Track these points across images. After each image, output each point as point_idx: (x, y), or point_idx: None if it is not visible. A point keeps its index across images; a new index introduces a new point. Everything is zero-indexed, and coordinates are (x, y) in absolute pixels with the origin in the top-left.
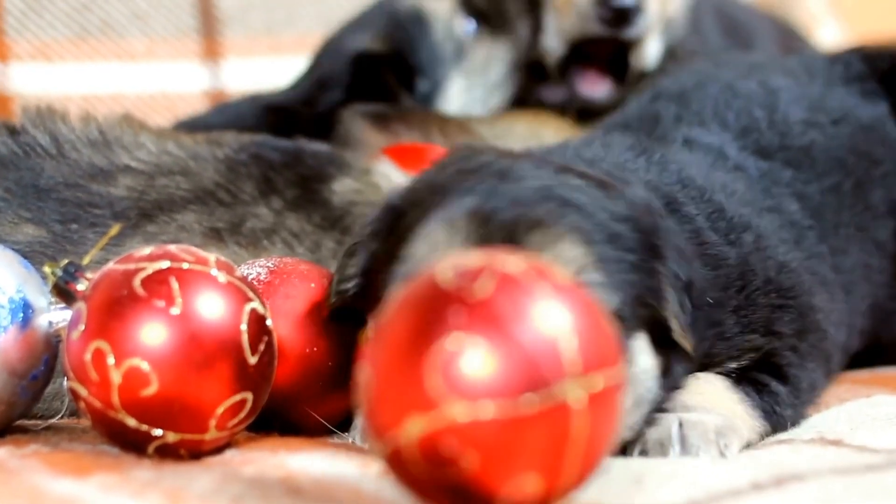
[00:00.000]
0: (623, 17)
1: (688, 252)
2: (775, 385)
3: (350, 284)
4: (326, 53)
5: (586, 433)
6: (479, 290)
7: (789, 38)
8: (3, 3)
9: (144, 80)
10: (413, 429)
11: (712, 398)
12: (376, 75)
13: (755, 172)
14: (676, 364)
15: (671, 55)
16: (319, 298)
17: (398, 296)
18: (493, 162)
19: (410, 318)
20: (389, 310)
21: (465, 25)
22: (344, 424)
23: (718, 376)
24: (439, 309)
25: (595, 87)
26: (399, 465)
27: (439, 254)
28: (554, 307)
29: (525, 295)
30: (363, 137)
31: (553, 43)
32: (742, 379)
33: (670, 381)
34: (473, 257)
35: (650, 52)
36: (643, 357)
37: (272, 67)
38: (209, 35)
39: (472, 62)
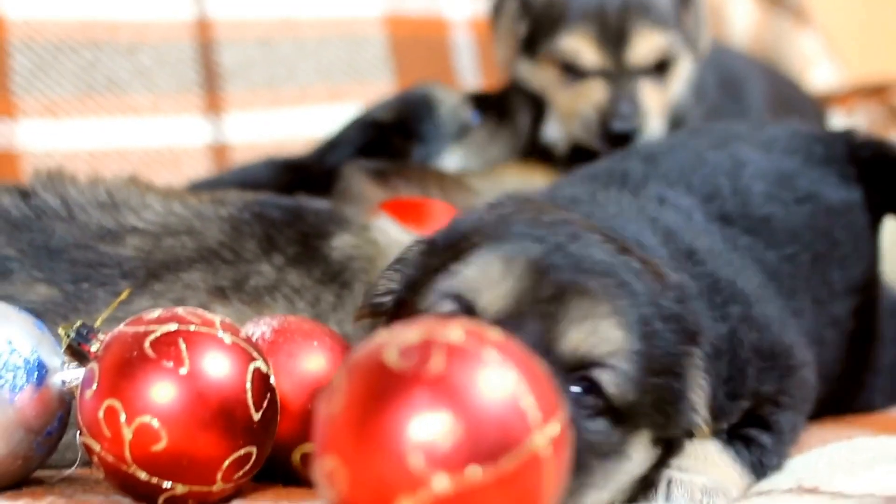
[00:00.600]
0: (622, 140)
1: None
2: (763, 438)
3: (387, 299)
4: (345, 125)
5: (554, 475)
6: (433, 367)
7: (780, 86)
8: (11, 61)
9: (149, 135)
10: None
11: (705, 461)
12: (383, 138)
13: (718, 237)
14: (676, 449)
15: (674, 126)
16: (321, 356)
17: (346, 385)
18: (565, 222)
19: (372, 405)
20: (341, 399)
21: (472, 116)
22: None
23: (711, 440)
24: (400, 392)
25: None
26: None
27: (488, 283)
28: (506, 369)
29: (477, 363)
30: (363, 192)
31: (556, 140)
32: (731, 435)
33: (664, 463)
34: (412, 333)
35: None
36: (639, 452)
37: (273, 120)
38: (211, 89)
39: (473, 141)
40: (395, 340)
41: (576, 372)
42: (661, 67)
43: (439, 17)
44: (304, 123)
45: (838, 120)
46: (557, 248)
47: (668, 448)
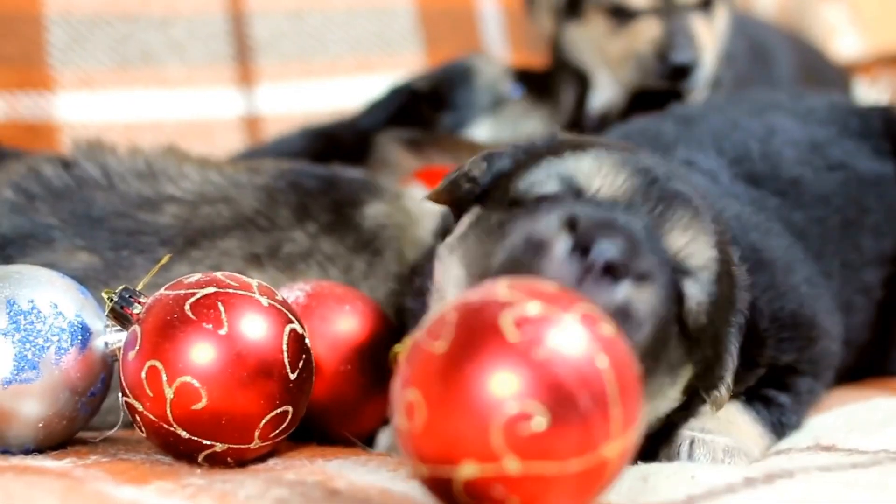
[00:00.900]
0: (682, 72)
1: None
2: (781, 398)
3: (467, 185)
4: (385, 91)
5: (614, 476)
6: (543, 352)
7: (807, 56)
8: (48, 35)
9: (182, 107)
10: (466, 471)
11: (727, 422)
12: (413, 106)
13: (745, 198)
14: (694, 406)
15: (714, 89)
16: (353, 320)
17: (454, 332)
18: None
19: (475, 363)
20: (445, 341)
21: (512, 89)
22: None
23: (733, 401)
24: (507, 362)
25: None
26: (438, 489)
27: (604, 173)
28: (609, 378)
29: (587, 363)
30: (397, 161)
31: (604, 106)
32: (751, 396)
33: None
34: (533, 305)
35: (700, 97)
36: (674, 391)
37: (304, 91)
38: (243, 61)
39: (507, 114)
40: (515, 307)
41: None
42: (706, 4)
43: None
44: (334, 95)
45: (862, 89)
46: (663, 166)
47: (689, 405)
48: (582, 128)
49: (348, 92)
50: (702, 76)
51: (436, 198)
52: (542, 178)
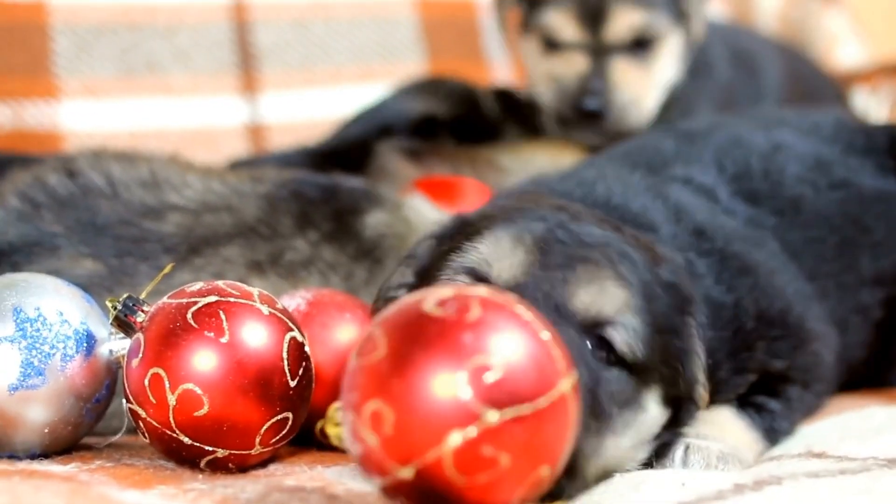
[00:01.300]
0: (593, 116)
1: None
2: (772, 404)
3: (400, 292)
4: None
5: (575, 417)
6: (472, 315)
7: (797, 64)
8: (53, 44)
9: (187, 115)
10: (453, 441)
11: (721, 428)
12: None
13: (742, 216)
14: (685, 412)
15: (669, 105)
16: (353, 327)
17: (385, 335)
18: (562, 208)
19: (418, 348)
20: (382, 348)
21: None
22: None
23: (726, 406)
24: (446, 335)
25: None
26: (430, 481)
27: (501, 257)
28: (535, 320)
29: (510, 313)
30: (396, 170)
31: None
32: (743, 403)
33: (676, 425)
34: (445, 289)
35: (640, 117)
36: (652, 406)
37: (307, 100)
38: (247, 70)
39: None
40: (429, 295)
41: (588, 332)
42: (641, 45)
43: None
44: (337, 103)
45: (862, 98)
46: (559, 225)
47: (678, 411)
48: None
49: (351, 101)
50: (636, 118)
51: (379, 308)
52: (450, 276)
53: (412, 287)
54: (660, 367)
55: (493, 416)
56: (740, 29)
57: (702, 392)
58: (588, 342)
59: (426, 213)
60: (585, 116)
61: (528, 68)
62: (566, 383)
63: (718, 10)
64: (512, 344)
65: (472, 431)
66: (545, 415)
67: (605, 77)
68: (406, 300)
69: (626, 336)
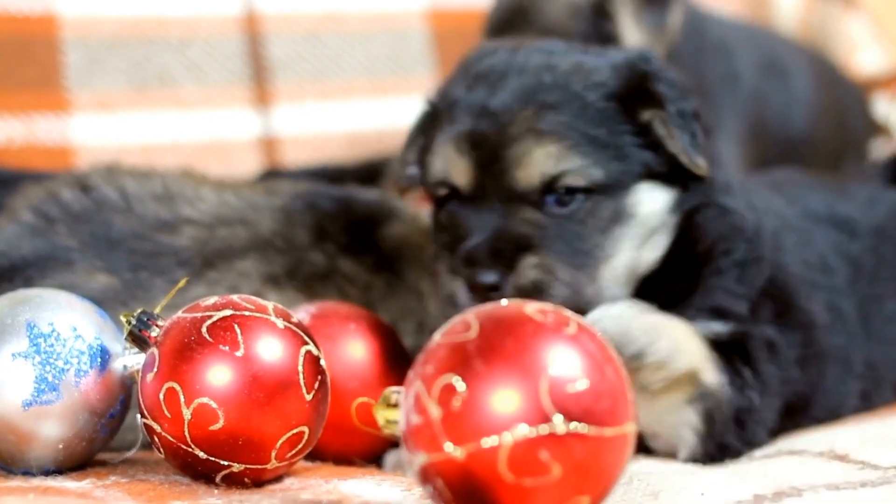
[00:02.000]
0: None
1: (688, 86)
2: (745, 370)
3: (413, 169)
4: None
5: (628, 456)
6: (570, 329)
7: (825, 71)
8: (64, 58)
9: (200, 129)
10: (518, 432)
11: (668, 326)
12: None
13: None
14: (693, 191)
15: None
16: (359, 338)
17: (480, 322)
18: (491, 68)
19: (512, 339)
20: (474, 331)
21: None
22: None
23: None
24: (542, 336)
25: None
26: (477, 467)
27: (452, 169)
28: (620, 361)
29: (602, 348)
30: None
31: None
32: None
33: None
34: (548, 304)
35: None
36: (645, 202)
37: (320, 113)
38: (260, 82)
39: None
40: (531, 304)
41: (550, 194)
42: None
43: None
44: (349, 117)
45: (883, 105)
46: (482, 112)
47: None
48: None
49: (364, 114)
50: None
51: (402, 190)
52: (434, 184)
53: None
54: (628, 165)
55: (561, 424)
56: (770, 33)
57: (698, 164)
58: (552, 203)
59: None
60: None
61: None
62: (631, 427)
63: (736, 14)
64: (598, 370)
65: (536, 431)
66: (606, 444)
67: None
68: (506, 302)
69: (580, 175)
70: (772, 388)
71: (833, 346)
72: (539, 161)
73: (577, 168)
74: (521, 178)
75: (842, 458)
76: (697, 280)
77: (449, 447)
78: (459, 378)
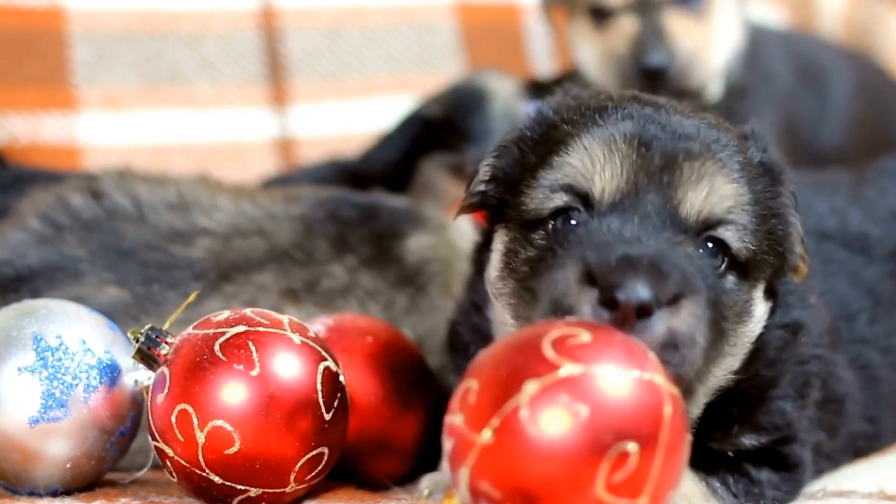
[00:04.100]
0: (657, 75)
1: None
2: (766, 474)
3: (489, 187)
4: (395, 123)
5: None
6: (572, 371)
7: (869, 76)
8: (72, 53)
9: (213, 129)
10: (530, 388)
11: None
12: (431, 135)
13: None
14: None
15: (730, 94)
16: (377, 351)
17: (498, 345)
18: (638, 99)
19: (516, 357)
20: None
21: (528, 108)
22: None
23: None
24: (538, 365)
25: None
26: (513, 430)
27: (597, 168)
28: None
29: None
30: (442, 187)
31: None
32: (733, 466)
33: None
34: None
35: (704, 73)
36: (759, 307)
37: (340, 112)
38: (277, 80)
39: None
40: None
41: (701, 235)
42: None
43: (512, 4)
44: (370, 116)
45: None
46: (649, 120)
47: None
48: None
49: (385, 113)
50: (700, 73)
51: (464, 210)
52: (547, 194)
53: (501, 196)
54: (768, 256)
55: (570, 369)
56: (807, 38)
57: (801, 264)
58: (702, 250)
59: (472, 237)
60: (648, 76)
61: (581, 56)
62: (658, 377)
63: (780, 16)
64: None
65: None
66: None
67: (660, 30)
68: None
69: (739, 234)
70: (805, 477)
71: (858, 403)
72: (717, 189)
73: (743, 225)
74: (691, 201)
75: (891, 498)
76: (760, 402)
77: (483, 419)
78: (475, 380)
